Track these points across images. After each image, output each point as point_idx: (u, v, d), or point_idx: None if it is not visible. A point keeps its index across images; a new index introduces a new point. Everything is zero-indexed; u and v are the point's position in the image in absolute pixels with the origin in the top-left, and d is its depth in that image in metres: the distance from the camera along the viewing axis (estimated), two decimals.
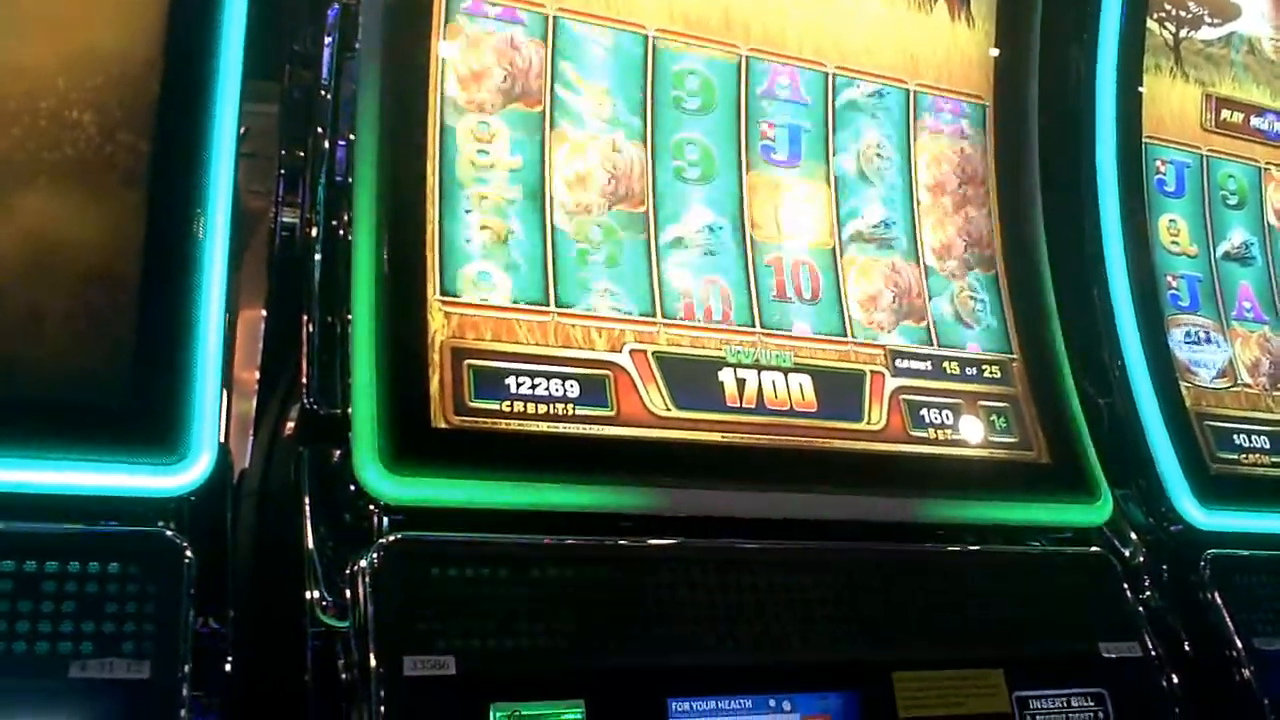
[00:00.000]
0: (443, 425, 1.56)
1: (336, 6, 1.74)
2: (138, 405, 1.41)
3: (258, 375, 1.74)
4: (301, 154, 1.76)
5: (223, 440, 1.49)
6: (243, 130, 1.59)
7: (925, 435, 1.87)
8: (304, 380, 1.63)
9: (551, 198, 1.75)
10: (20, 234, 1.42)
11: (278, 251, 1.76)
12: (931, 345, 1.96)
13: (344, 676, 1.39)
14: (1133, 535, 2.02)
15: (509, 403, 1.60)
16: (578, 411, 1.64)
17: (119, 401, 1.40)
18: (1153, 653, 1.81)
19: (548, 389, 1.63)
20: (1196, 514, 2.03)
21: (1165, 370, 2.14)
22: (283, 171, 1.78)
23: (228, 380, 1.53)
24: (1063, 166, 2.19)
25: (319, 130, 1.72)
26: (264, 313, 1.75)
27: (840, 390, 1.84)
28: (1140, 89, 2.27)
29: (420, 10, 1.71)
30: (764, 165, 1.93)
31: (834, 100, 2.00)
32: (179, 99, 1.53)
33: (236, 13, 1.58)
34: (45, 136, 1.47)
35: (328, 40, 1.73)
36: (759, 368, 1.79)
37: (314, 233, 1.69)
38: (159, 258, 1.47)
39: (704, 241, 1.84)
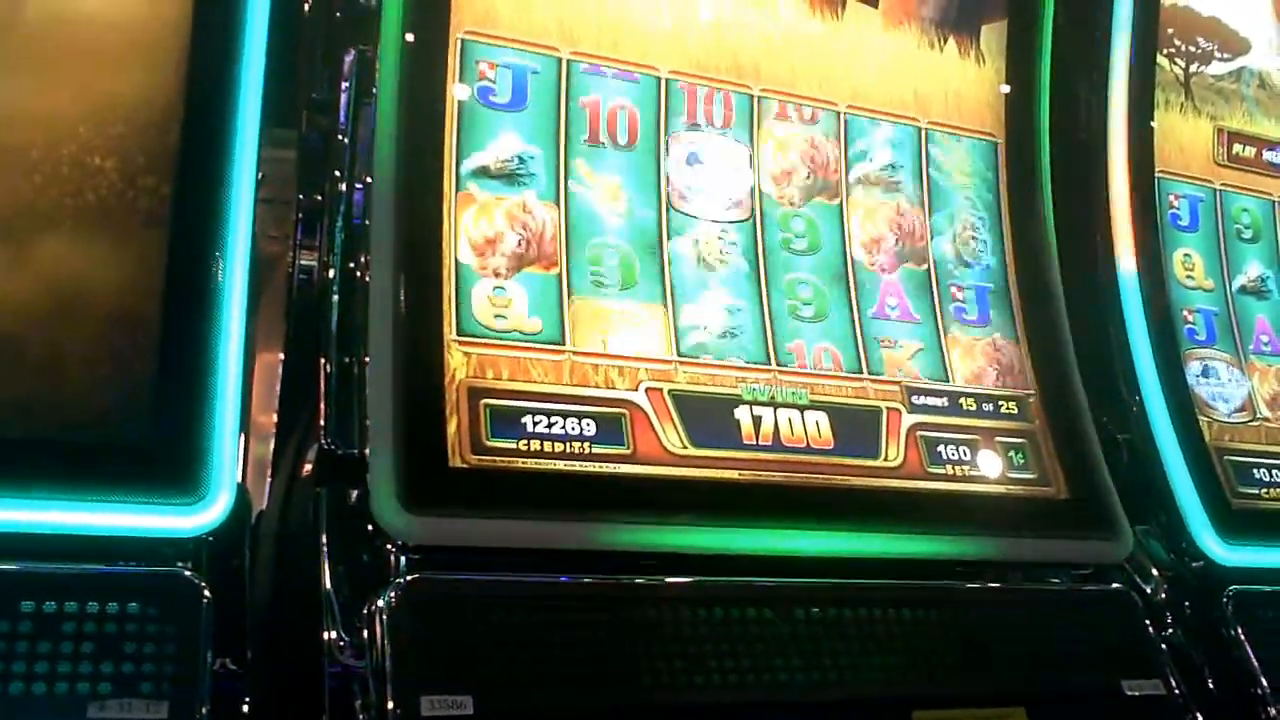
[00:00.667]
0: (460, 464, 1.56)
1: (353, 52, 1.77)
2: (157, 446, 1.42)
3: (275, 418, 1.74)
4: (319, 198, 1.78)
5: (241, 481, 1.50)
6: (259, 176, 1.61)
7: (943, 472, 1.87)
8: (322, 421, 1.64)
9: (568, 241, 1.76)
10: (42, 278, 1.44)
11: (296, 294, 1.77)
12: (948, 381, 1.96)
13: (361, 717, 1.39)
14: (1154, 571, 2.01)
15: (526, 442, 1.61)
16: (594, 450, 1.64)
17: (138, 442, 1.41)
18: (1176, 690, 1.79)
19: (564, 428, 1.64)
20: (1218, 550, 2.02)
21: (1184, 405, 2.13)
22: (300, 215, 1.79)
23: (246, 422, 1.54)
24: (1076, 202, 2.20)
25: (336, 174, 1.74)
26: (281, 356, 1.76)
27: (857, 427, 1.84)
28: (1152, 124, 2.28)
29: (436, 55, 1.74)
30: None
31: (846, 140, 2.01)
32: (199, 145, 1.55)
33: (255, 60, 1.60)
34: (68, 183, 1.49)
35: (344, 85, 1.75)
36: (775, 405, 1.79)
37: (331, 275, 1.71)
38: (179, 300, 1.48)
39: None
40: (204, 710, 1.30)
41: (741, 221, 1.90)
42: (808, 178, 1.96)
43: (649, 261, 1.81)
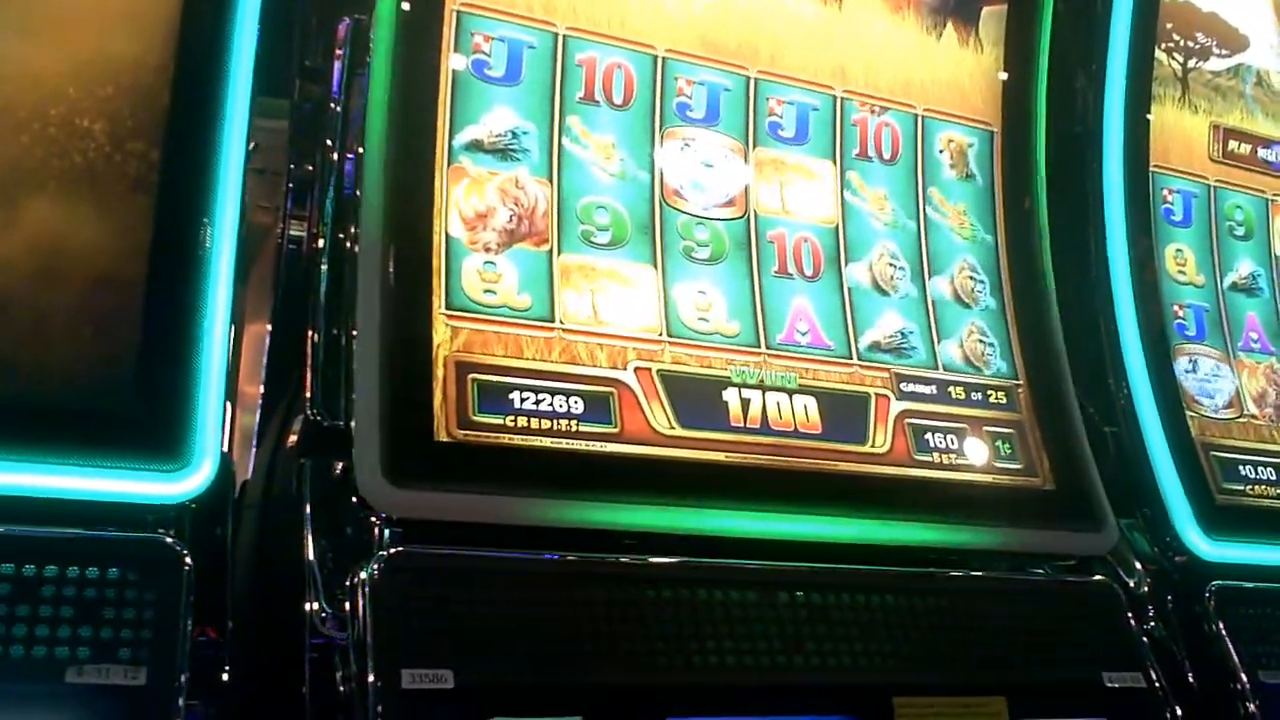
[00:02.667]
0: (445, 439, 1.55)
1: (348, 21, 1.75)
2: (141, 411, 1.41)
3: (260, 389, 1.73)
4: (310, 168, 1.77)
5: (225, 450, 1.49)
6: (250, 146, 1.59)
7: (929, 459, 1.87)
8: (307, 392, 1.63)
9: (560, 220, 1.75)
10: (28, 240, 1.43)
11: (284, 264, 1.76)
12: (937, 369, 1.95)
13: (341, 689, 1.38)
14: (1137, 565, 2.01)
15: (513, 418, 1.60)
16: (581, 428, 1.64)
17: (122, 407, 1.40)
18: (1156, 683, 1.79)
19: (552, 405, 1.63)
20: (1201, 544, 2.02)
21: (1171, 400, 2.13)
22: (291, 185, 1.78)
23: (231, 392, 1.53)
24: (1070, 194, 2.20)
25: (328, 143, 1.73)
26: (268, 327, 1.75)
27: (845, 412, 1.83)
28: (1148, 116, 2.27)
29: (431, 26, 1.72)
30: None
31: (842, 123, 2.00)
32: (190, 109, 1.53)
33: (248, 24, 1.59)
34: (55, 144, 1.48)
35: (339, 53, 1.74)
36: (764, 388, 1.79)
37: (321, 245, 1.70)
38: (166, 265, 1.47)
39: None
40: (183, 678, 1.29)
41: (735, 220, 1.89)
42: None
43: (641, 223, 1.80)
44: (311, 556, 1.50)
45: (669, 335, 1.76)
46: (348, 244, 1.65)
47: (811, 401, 1.82)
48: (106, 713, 1.24)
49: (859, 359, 1.89)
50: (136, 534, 1.37)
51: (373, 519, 1.50)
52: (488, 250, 1.69)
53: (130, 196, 1.49)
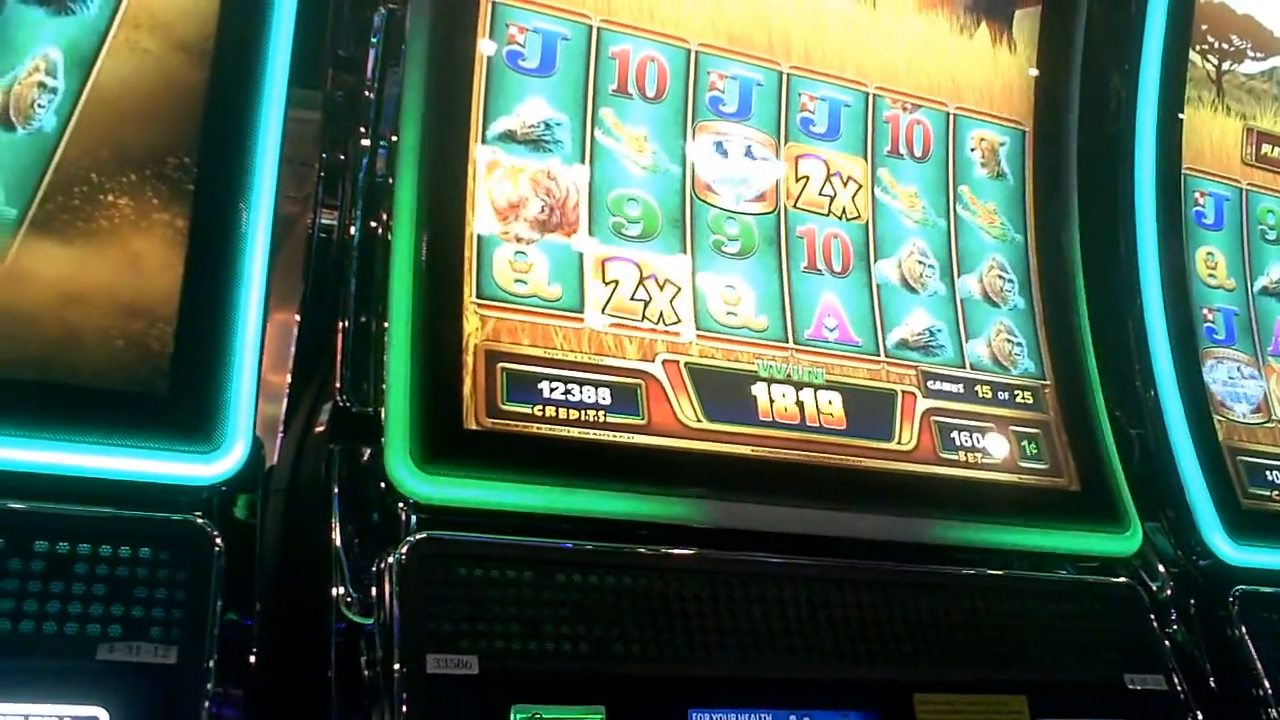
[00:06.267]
0: (474, 427, 1.56)
1: (382, 10, 1.76)
2: (175, 393, 1.42)
3: (288, 377, 1.74)
4: (342, 156, 1.77)
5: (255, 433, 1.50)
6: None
7: (955, 458, 1.86)
8: (337, 379, 1.64)
9: (591, 212, 1.75)
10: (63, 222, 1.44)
11: (315, 252, 1.77)
12: (964, 368, 1.95)
13: (367, 673, 1.39)
14: (1161, 568, 2.00)
15: (541, 407, 1.61)
16: (609, 419, 1.64)
17: (156, 389, 1.42)
18: (1178, 687, 1.79)
19: (580, 395, 1.64)
20: (1226, 549, 2.02)
21: (1199, 403, 2.12)
22: (323, 173, 1.79)
23: (259, 378, 1.54)
24: (1101, 194, 2.19)
25: (361, 131, 1.73)
26: (296, 316, 1.76)
27: (871, 409, 1.84)
28: (1181, 117, 2.26)
29: (466, 16, 1.73)
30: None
31: (874, 119, 2.00)
32: (228, 93, 1.54)
33: (285, 11, 1.59)
34: None
35: (373, 41, 1.74)
36: (791, 383, 1.79)
37: (352, 232, 1.70)
38: (203, 249, 1.48)
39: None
40: (211, 658, 1.30)
41: (765, 215, 1.89)
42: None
43: (671, 216, 1.81)
44: (338, 541, 1.51)
45: (697, 328, 1.77)
46: (379, 232, 1.66)
47: (838, 397, 1.82)
48: (136, 690, 1.25)
49: (886, 356, 1.89)
50: (169, 515, 1.38)
51: (400, 505, 1.51)
52: (519, 240, 1.70)
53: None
